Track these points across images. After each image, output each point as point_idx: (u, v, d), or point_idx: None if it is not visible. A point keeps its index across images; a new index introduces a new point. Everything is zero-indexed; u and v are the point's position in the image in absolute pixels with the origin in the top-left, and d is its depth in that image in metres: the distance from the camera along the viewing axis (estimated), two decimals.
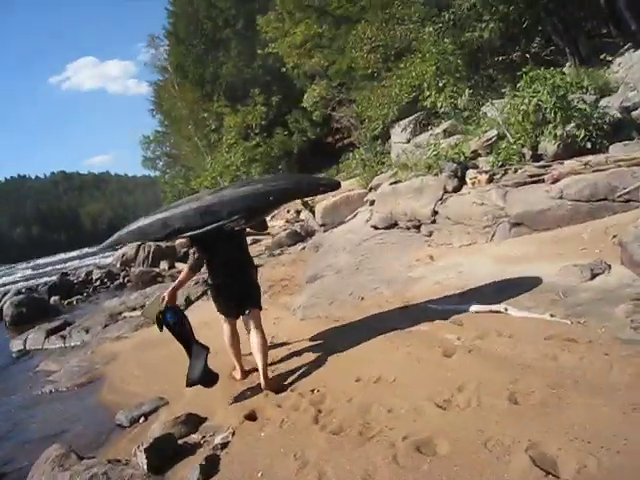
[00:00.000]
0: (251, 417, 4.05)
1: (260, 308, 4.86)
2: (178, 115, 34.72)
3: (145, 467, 3.65)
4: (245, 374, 4.95)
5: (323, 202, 14.42)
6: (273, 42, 23.78)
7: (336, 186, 4.96)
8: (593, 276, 4.80)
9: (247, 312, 4.75)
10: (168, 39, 35.30)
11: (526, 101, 8.43)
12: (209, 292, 5.13)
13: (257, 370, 4.63)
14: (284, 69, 24.66)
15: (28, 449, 4.77)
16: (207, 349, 4.62)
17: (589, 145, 7.76)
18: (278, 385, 4.47)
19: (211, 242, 4.55)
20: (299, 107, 25.45)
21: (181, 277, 4.67)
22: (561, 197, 6.76)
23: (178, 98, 33.58)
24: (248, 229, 5.02)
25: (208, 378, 4.55)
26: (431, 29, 12.50)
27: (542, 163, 7.98)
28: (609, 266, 4.90)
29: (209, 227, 4.39)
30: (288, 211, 21.54)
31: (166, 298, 4.53)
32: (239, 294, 4.73)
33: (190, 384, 4.52)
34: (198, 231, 4.43)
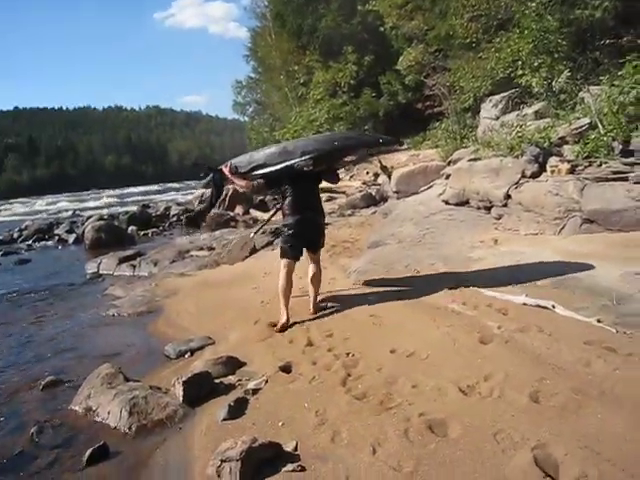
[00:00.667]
0: (286, 369, 4.23)
1: (322, 247, 5.72)
2: (271, 64, 34.83)
3: (181, 398, 3.92)
4: (287, 322, 5.29)
5: (401, 169, 14.33)
6: None
7: (394, 142, 5.89)
8: None
9: (317, 249, 5.58)
10: None
11: (625, 91, 8.00)
12: (282, 232, 5.64)
13: (298, 323, 5.24)
14: (382, 28, 24.21)
15: (84, 363, 5.14)
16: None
17: None
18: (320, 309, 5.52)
19: (291, 181, 5.38)
20: (393, 69, 25.01)
21: (241, 182, 5.66)
22: None
23: (273, 47, 33.64)
24: (325, 183, 5.84)
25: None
26: (537, 2, 11.90)
27: (631, 160, 7.58)
28: None
29: (283, 164, 5.29)
30: (367, 172, 21.51)
31: (225, 170, 5.67)
32: (310, 234, 5.48)
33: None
34: (274, 167, 5.36)
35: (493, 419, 2.96)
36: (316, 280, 5.57)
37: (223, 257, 9.72)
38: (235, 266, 9.02)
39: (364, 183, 19.05)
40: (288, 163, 5.28)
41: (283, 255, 5.47)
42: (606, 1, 11.01)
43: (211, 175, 5.86)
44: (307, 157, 5.21)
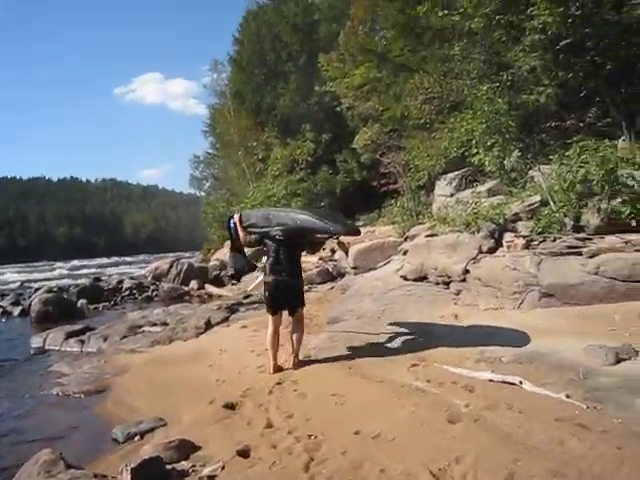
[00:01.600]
0: (243, 453, 3.98)
1: (303, 307, 6.20)
2: (229, 140, 35.33)
3: None
4: (278, 369, 6.01)
5: (357, 245, 14.38)
6: (332, 81, 24.12)
7: (355, 232, 6.41)
8: (618, 361, 4.61)
9: (293, 309, 6.10)
10: (231, 65, 36.23)
11: (573, 170, 8.31)
12: (264, 290, 6.17)
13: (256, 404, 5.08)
14: (339, 108, 24.95)
15: (22, 449, 4.81)
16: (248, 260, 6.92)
17: (634, 223, 7.55)
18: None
19: (273, 244, 5.99)
20: (349, 147, 25.63)
21: (241, 233, 6.34)
22: (597, 273, 6.57)
23: (232, 124, 34.21)
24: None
25: (247, 267, 6.84)
26: (487, 87, 12.49)
27: (582, 235, 7.79)
28: (637, 352, 4.71)
29: (263, 229, 6.09)
30: (324, 248, 21.54)
31: (236, 218, 6.41)
32: (285, 295, 6.00)
33: (233, 272, 7.55)
34: (259, 230, 6.15)
35: None
36: (297, 337, 6.11)
37: (177, 333, 9.42)
38: (189, 342, 8.75)
39: (321, 259, 19.01)
40: (266, 229, 6.04)
41: (267, 311, 6.20)
42: (548, 88, 11.61)
43: (230, 220, 6.52)
44: (277, 229, 5.94)
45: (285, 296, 6.02)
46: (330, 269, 15.83)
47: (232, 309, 11.69)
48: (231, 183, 37.22)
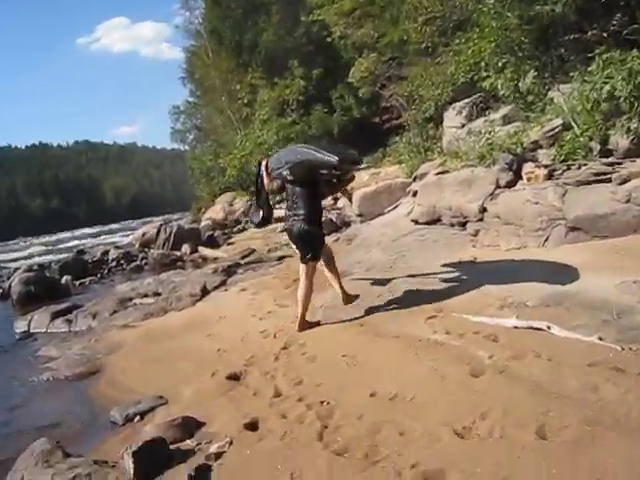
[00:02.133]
0: (252, 426, 4.05)
1: (315, 259, 6.12)
2: (211, 85, 34.83)
3: (131, 472, 3.68)
4: (305, 324, 6.10)
5: (362, 189, 14.33)
6: (319, 8, 23.59)
7: (352, 162, 6.40)
8: None
9: (302, 259, 6.13)
10: (204, 0, 35.41)
11: (597, 87, 8.16)
12: None
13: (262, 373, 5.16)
14: (329, 39, 24.48)
15: (17, 440, 4.87)
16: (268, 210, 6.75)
17: None
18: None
19: (290, 186, 6.12)
20: (344, 82, 25.26)
21: (266, 179, 6.43)
22: (629, 201, 6.54)
23: (211, 66, 33.62)
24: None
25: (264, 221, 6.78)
26: (494, 0, 12.19)
27: (611, 160, 7.71)
28: None
29: (277, 171, 6.14)
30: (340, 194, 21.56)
31: (263, 164, 6.44)
32: (296, 242, 6.18)
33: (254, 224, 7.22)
34: (275, 172, 6.20)
35: (497, 464, 2.83)
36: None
37: (171, 303, 9.48)
38: (185, 312, 8.81)
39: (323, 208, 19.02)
40: (279, 170, 6.08)
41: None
42: None
43: (259, 166, 6.57)
44: (286, 167, 5.96)
45: (297, 244, 6.16)
46: (333, 219, 15.81)
47: (229, 271, 11.74)
48: (217, 133, 36.89)
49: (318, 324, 6.16)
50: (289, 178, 6.03)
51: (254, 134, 27.70)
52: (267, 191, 6.55)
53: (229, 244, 18.05)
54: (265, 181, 6.41)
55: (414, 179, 12.88)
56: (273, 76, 29.10)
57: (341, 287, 6.46)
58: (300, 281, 6.19)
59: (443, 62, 16.17)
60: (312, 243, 6.07)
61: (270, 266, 11.68)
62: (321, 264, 6.31)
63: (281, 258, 12.35)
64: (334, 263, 6.46)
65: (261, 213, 6.70)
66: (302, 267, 6.13)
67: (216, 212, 25.13)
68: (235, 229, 21.55)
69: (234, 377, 5.14)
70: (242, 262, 13.08)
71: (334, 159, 5.65)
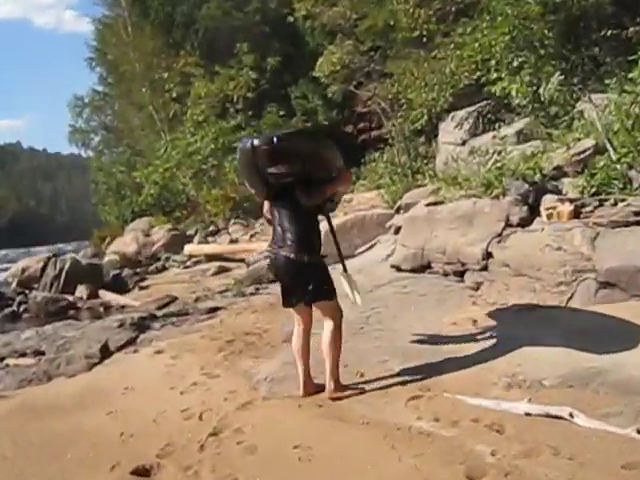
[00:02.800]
0: None
1: (328, 299, 6.03)
2: (128, 71, 34.87)
3: None
4: (311, 389, 6.12)
5: (326, 222, 14.42)
6: None
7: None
8: None
9: (309, 301, 6.05)
10: None
11: None
12: None
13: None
14: (291, 19, 24.86)
15: None
16: None
17: None
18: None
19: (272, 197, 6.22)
20: (308, 77, 25.59)
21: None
22: None
23: (131, 46, 33.75)
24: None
25: None
26: None
27: None
28: None
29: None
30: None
31: None
32: (286, 280, 6.17)
33: None
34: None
35: None
36: (325, 347, 6.00)
37: (58, 366, 9.31)
38: (78, 379, 8.65)
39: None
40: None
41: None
42: None
43: None
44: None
45: (292, 280, 6.08)
46: None
47: (141, 326, 11.57)
48: (133, 136, 36.89)
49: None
50: (251, 191, 6.42)
51: (184, 140, 27.76)
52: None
53: (142, 288, 17.89)
54: (265, 207, 6.50)
55: (397, 210, 13.04)
56: (213, 63, 29.32)
57: (330, 371, 6.06)
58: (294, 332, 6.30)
59: (441, 57, 16.51)
60: (316, 277, 5.99)
61: (197, 320, 11.58)
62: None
63: (213, 310, 12.28)
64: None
65: None
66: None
67: (126, 244, 24.96)
68: (151, 268, 21.46)
69: (142, 472, 5.02)
70: (159, 314, 12.92)
71: (248, 143, 5.90)
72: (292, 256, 5.89)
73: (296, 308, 6.19)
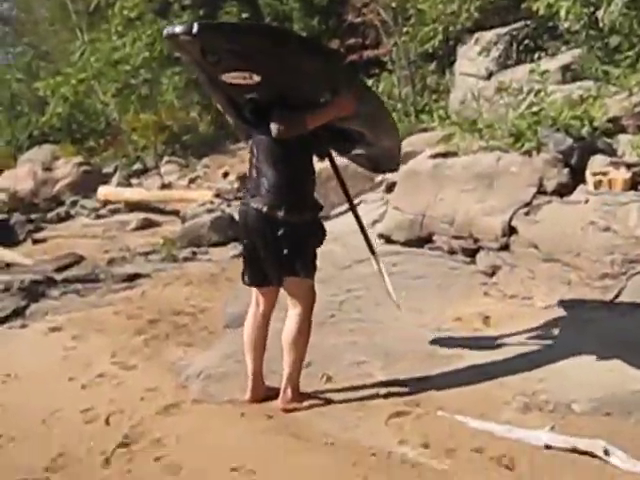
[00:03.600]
0: None
1: (303, 275, 5.88)
2: None
3: None
4: (261, 394, 6.16)
5: None
6: None
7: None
8: None
9: (279, 276, 5.93)
10: None
11: None
12: None
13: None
14: None
15: None
16: None
17: None
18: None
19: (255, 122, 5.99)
20: None
21: None
22: None
23: None
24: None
25: None
26: None
27: None
28: None
29: None
30: (226, 173, 21.56)
31: None
32: (271, 239, 5.77)
33: None
34: None
35: None
36: (286, 342, 5.92)
37: None
38: None
39: (217, 195, 19.01)
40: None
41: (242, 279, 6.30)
42: None
43: None
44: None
45: (264, 244, 5.85)
46: (235, 215, 15.84)
47: (33, 292, 11.52)
48: (38, 32, 36.44)
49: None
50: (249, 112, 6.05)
51: (108, 43, 27.43)
52: None
53: (37, 241, 17.75)
54: None
55: None
56: None
57: (289, 376, 6.02)
58: (247, 317, 6.22)
59: None
60: (294, 243, 5.80)
61: (110, 290, 11.53)
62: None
63: (132, 277, 12.24)
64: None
65: None
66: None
67: (18, 179, 24.69)
68: (51, 215, 21.24)
69: None
70: (58, 278, 12.85)
71: (167, 30, 5.42)
72: (265, 209, 5.69)
73: (262, 289, 6.08)
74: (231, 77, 5.60)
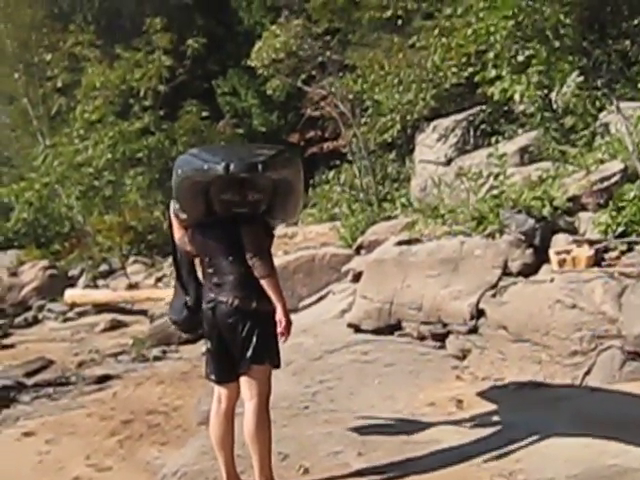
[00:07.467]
0: None
1: (264, 363, 5.83)
2: None
3: None
4: None
5: None
6: None
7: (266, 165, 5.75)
8: None
9: (243, 366, 5.82)
10: None
11: None
12: None
13: None
14: None
15: None
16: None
17: None
18: None
19: (198, 231, 6.11)
20: (240, 67, 25.63)
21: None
22: None
23: (1, 15, 33.55)
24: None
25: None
26: None
27: None
28: None
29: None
30: None
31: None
32: (237, 329, 5.76)
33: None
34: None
35: None
36: (250, 437, 5.77)
37: None
38: None
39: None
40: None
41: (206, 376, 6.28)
42: None
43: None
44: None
45: (234, 337, 5.83)
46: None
47: (4, 398, 11.45)
48: None
49: None
50: (182, 216, 6.10)
51: (70, 146, 27.40)
52: (188, 255, 6.40)
53: (5, 347, 17.63)
54: (176, 234, 6.40)
55: (357, 251, 13.08)
56: (113, 43, 29.17)
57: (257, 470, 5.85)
58: (211, 416, 6.12)
59: (421, 46, 16.65)
60: (257, 333, 5.79)
61: (82, 393, 11.48)
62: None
63: (103, 379, 12.18)
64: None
65: (185, 300, 6.46)
66: (217, 392, 6.09)
67: None
68: (19, 320, 21.12)
69: None
70: (29, 382, 12.77)
71: (219, 167, 5.56)
72: (236, 302, 5.75)
73: (228, 385, 6.01)
74: (231, 196, 5.82)
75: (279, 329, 5.82)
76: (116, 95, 28.11)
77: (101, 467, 7.36)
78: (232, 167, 5.48)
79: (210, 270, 5.97)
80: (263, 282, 5.74)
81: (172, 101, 27.88)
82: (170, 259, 6.81)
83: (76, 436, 8.56)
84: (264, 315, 5.80)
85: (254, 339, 5.73)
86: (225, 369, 5.96)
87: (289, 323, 5.81)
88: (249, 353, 5.74)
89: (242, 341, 5.76)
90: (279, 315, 5.79)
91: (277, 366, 5.98)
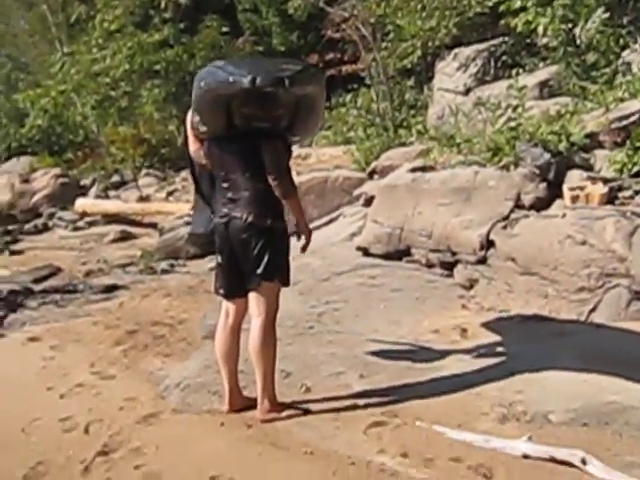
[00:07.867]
0: None
1: (272, 279, 5.94)
2: None
3: None
4: (239, 402, 6.16)
5: None
6: None
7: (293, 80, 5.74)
8: None
9: (250, 282, 5.99)
10: None
11: None
12: None
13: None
14: None
15: None
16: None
17: None
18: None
19: (215, 144, 6.11)
20: None
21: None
22: None
23: None
24: None
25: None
26: None
27: None
28: None
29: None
30: None
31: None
32: (247, 244, 5.89)
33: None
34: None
35: None
36: (254, 353, 5.91)
37: None
38: None
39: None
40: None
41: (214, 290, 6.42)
42: None
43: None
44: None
45: (246, 253, 5.92)
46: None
47: (11, 302, 11.48)
48: (17, 44, 36.25)
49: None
50: (201, 129, 6.06)
51: (88, 55, 27.22)
52: (205, 169, 6.39)
53: (14, 253, 17.65)
54: (192, 146, 6.41)
55: (370, 175, 13.03)
56: None
57: (259, 383, 6.02)
58: (218, 329, 6.23)
59: None
60: (269, 250, 5.89)
61: (88, 301, 11.47)
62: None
63: (110, 289, 12.20)
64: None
65: (206, 214, 6.58)
66: (224, 306, 6.20)
67: None
68: (29, 226, 21.14)
69: None
70: (36, 289, 12.80)
71: (245, 80, 5.51)
72: (250, 218, 5.80)
73: (235, 300, 6.12)
74: (253, 110, 5.81)
75: (301, 242, 6.13)
76: (136, 5, 27.85)
77: (104, 375, 7.37)
78: (258, 80, 5.48)
79: (225, 185, 5.98)
80: (285, 202, 5.87)
81: (192, 15, 27.59)
82: (183, 173, 6.77)
83: (81, 343, 8.58)
84: (278, 232, 5.92)
85: (266, 256, 5.80)
86: (234, 284, 6.05)
87: (310, 235, 6.13)
88: (260, 269, 5.81)
89: (254, 257, 5.83)
90: (301, 228, 6.06)
91: (286, 284, 6.07)
